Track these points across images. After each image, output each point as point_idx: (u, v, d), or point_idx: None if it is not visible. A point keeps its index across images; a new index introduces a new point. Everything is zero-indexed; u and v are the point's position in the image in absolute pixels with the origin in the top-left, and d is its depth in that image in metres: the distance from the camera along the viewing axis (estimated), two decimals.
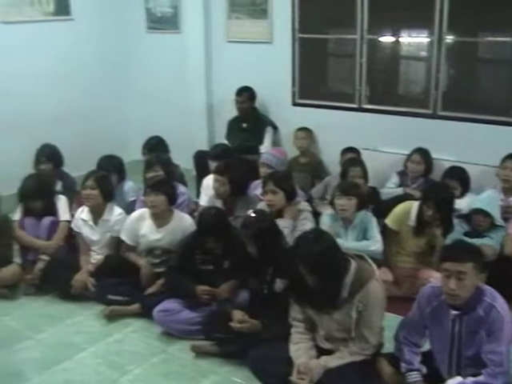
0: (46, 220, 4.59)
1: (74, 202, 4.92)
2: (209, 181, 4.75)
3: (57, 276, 4.34)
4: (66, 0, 6.27)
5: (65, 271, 4.33)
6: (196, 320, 3.74)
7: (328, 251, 3.05)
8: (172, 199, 4.28)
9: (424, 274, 4.04)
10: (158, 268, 4.20)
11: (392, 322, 3.30)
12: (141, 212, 4.34)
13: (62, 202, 4.71)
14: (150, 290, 4.09)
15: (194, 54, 6.34)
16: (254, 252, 3.51)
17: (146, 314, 3.96)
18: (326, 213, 4.32)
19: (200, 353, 3.62)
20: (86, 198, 4.37)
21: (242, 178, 4.45)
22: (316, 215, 4.39)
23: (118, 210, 4.45)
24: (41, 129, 5.95)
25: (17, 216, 4.67)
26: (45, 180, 4.78)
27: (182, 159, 5.50)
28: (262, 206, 4.24)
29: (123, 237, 4.32)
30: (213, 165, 4.81)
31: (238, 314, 3.52)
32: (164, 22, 6.65)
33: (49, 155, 5.12)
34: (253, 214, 3.62)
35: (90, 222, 4.43)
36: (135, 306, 4.04)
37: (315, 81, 5.99)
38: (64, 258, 4.47)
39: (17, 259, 4.58)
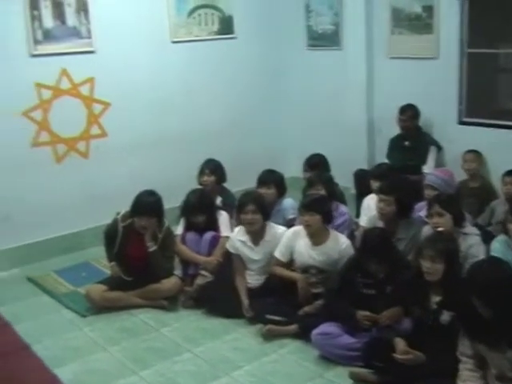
0: (208, 235, 4.67)
1: (233, 218, 4.97)
2: (370, 201, 4.59)
3: (216, 296, 4.38)
4: (230, 20, 6.49)
5: (224, 292, 4.36)
6: (355, 346, 3.58)
7: (506, 281, 2.79)
8: (328, 218, 4.16)
9: None
10: (314, 288, 4.10)
11: None
12: (297, 229, 4.27)
13: (223, 218, 4.77)
14: (307, 309, 3.99)
15: (354, 71, 6.23)
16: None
17: (303, 335, 3.87)
18: (498, 239, 4.00)
19: (358, 381, 3.45)
20: (249, 223, 4.34)
21: (408, 199, 4.24)
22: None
23: (279, 229, 4.41)
24: (204, 144, 6.19)
25: (179, 230, 4.79)
26: (208, 195, 4.87)
27: (340, 177, 5.37)
28: (426, 229, 4.03)
29: (276, 253, 4.27)
30: (375, 184, 4.65)
31: (400, 344, 3.32)
32: (325, 39, 6.61)
33: (213, 169, 5.24)
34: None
35: (249, 243, 4.40)
36: (292, 327, 3.95)
37: (484, 98, 5.62)
38: (224, 278, 4.47)
39: (177, 272, 4.70)
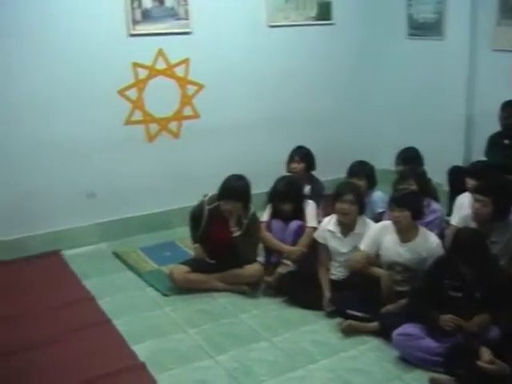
0: (294, 224, 4.60)
1: (320, 208, 4.87)
2: (464, 199, 4.38)
3: (297, 286, 4.31)
4: (329, 6, 6.34)
5: (305, 282, 4.29)
6: (437, 350, 3.42)
7: None
8: (418, 215, 3.99)
9: None
10: (399, 286, 3.95)
11: None
12: (386, 224, 4.12)
13: (310, 208, 4.69)
14: (390, 307, 3.86)
15: (456, 63, 5.96)
16: None
17: (383, 334, 3.75)
18: None
19: None
20: (344, 214, 4.23)
21: (505, 201, 4.01)
22: None
23: (370, 223, 4.28)
24: (294, 130, 6.15)
25: (265, 217, 4.75)
26: (296, 183, 4.78)
27: (433, 173, 5.15)
28: None
29: (362, 245, 4.14)
30: (470, 182, 4.42)
31: (485, 353, 3.15)
32: (426, 29, 6.36)
33: (302, 156, 5.17)
34: None
35: (339, 234, 4.29)
36: (373, 325, 3.83)
37: None
38: (306, 269, 4.41)
39: (260, 258, 4.67)
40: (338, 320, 3.99)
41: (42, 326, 4.10)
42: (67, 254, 5.36)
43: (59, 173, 5.34)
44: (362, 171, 4.77)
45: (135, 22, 5.31)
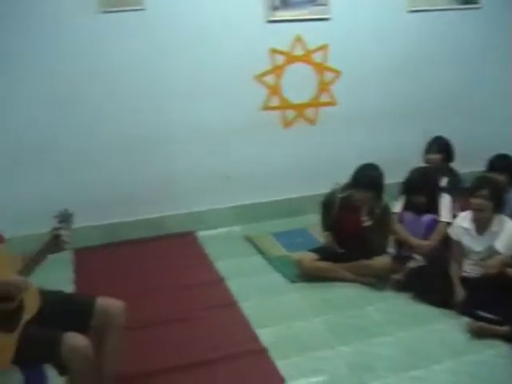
0: (426, 217, 4.43)
1: (457, 202, 4.65)
2: None
3: (425, 282, 4.16)
4: None
5: (435, 279, 4.13)
6: None
7: None
8: None
9: None
10: None
11: None
12: None
13: (445, 201, 4.49)
14: None
15: None
16: None
17: None
18: None
19: None
20: (477, 209, 3.99)
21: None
22: None
23: (509, 222, 4.00)
24: (430, 119, 5.98)
25: (397, 208, 4.61)
26: (433, 174, 4.62)
27: None
28: None
29: (499, 246, 3.90)
30: None
31: None
32: None
33: (441, 147, 4.97)
34: None
35: (473, 232, 4.06)
36: (504, 329, 3.59)
37: None
38: (437, 265, 4.23)
39: (391, 251, 4.55)
40: (468, 320, 3.79)
41: (172, 303, 4.27)
42: (201, 235, 5.55)
43: (198, 156, 5.53)
44: (504, 165, 4.50)
45: (274, 8, 5.34)
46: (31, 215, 4.97)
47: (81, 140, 5.22)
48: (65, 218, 2.76)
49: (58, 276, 4.50)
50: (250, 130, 5.54)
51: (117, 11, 5.02)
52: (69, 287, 4.40)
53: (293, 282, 4.55)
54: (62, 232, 2.69)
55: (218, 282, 4.59)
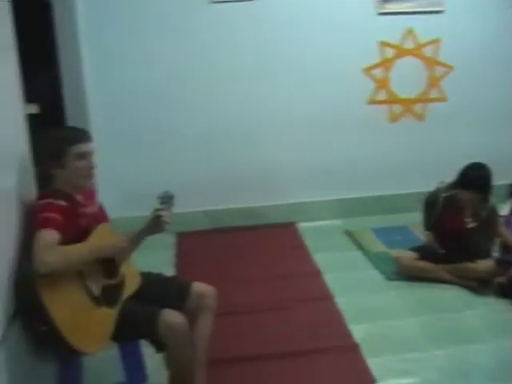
0: None
1: None
2: None
3: None
4: None
5: None
6: None
7: None
8: None
9: None
10: None
11: None
12: None
13: None
14: None
15: None
16: None
17: None
18: None
19: None
20: None
21: None
22: None
23: None
24: None
25: (505, 211, 4.45)
26: None
27: None
28: None
29: None
30: None
31: None
32: None
33: None
34: None
35: None
36: None
37: None
38: None
39: (495, 255, 4.38)
40: None
41: (267, 292, 4.32)
42: (302, 226, 5.57)
43: (300, 147, 5.54)
44: None
45: (385, 1, 5.25)
46: (138, 197, 5.18)
47: (194, 127, 5.39)
48: (166, 199, 2.84)
49: (159, 258, 4.69)
50: (354, 122, 5.50)
51: (227, 1, 5.11)
52: (169, 270, 4.55)
53: (390, 279, 4.48)
54: (163, 213, 2.76)
55: (315, 274, 4.60)
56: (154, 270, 3.13)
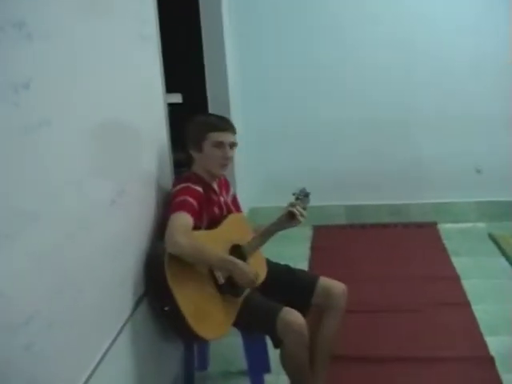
0: None
1: None
2: None
3: None
4: None
5: None
6: None
7: None
8: None
9: None
10: None
11: None
12: None
13: None
14: None
15: None
16: None
17: None
18: None
19: None
20: None
21: None
22: None
23: None
24: None
25: None
26: None
27: None
28: None
29: None
30: None
31: None
32: None
33: None
34: None
35: None
36: None
37: None
38: None
39: None
40: None
41: (401, 293, 4.25)
42: (443, 227, 5.42)
43: (446, 145, 5.37)
44: None
45: None
46: (279, 187, 5.28)
47: (334, 120, 5.41)
48: (302, 196, 2.90)
49: (294, 251, 4.78)
50: (501, 120, 5.22)
51: None
52: (303, 263, 4.62)
53: None
54: (298, 209, 2.82)
55: (453, 278, 4.45)
56: (288, 262, 3.18)
